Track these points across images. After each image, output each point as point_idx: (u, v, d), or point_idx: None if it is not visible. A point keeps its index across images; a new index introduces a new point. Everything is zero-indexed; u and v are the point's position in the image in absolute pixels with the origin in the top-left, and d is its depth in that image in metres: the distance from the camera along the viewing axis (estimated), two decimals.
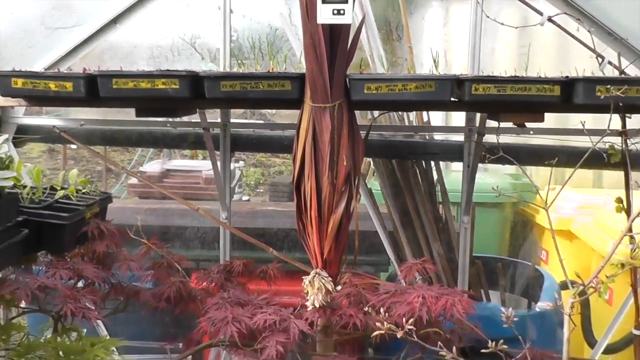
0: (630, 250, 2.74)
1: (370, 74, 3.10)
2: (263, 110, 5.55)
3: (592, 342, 3.86)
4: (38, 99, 3.12)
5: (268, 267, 3.19)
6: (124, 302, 2.95)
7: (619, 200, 3.04)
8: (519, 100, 2.78)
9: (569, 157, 3.32)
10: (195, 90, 2.85)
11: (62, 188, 2.95)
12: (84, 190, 3.04)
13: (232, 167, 6.85)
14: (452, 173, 5.06)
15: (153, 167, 6.87)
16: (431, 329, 2.73)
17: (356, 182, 2.86)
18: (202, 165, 6.25)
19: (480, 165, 5.97)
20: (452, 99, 2.86)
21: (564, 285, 3.87)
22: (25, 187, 2.82)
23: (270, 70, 2.99)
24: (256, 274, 3.21)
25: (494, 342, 2.57)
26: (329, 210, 2.79)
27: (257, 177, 10.29)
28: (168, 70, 2.94)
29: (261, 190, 9.86)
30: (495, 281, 4.02)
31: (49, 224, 2.69)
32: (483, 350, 2.62)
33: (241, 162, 8.48)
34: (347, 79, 2.77)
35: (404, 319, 2.47)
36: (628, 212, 3.00)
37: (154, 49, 3.98)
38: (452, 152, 3.81)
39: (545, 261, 5.21)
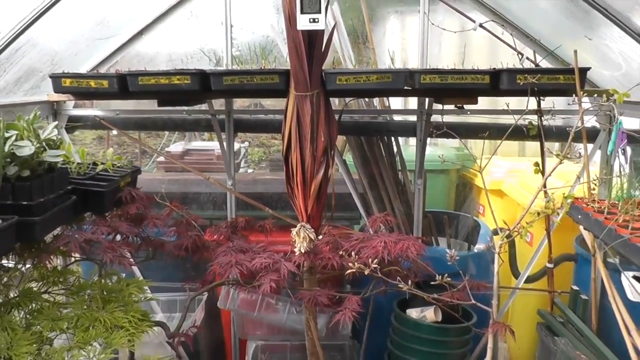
0: (545, 203, 2.76)
1: (341, 69, 3.10)
2: (263, 103, 5.49)
3: (516, 274, 3.89)
4: (82, 94, 3.11)
5: (265, 222, 3.17)
6: (152, 251, 2.94)
7: (537, 164, 3.07)
8: (458, 87, 2.82)
9: (498, 132, 3.33)
10: (204, 84, 2.84)
11: (102, 163, 2.94)
12: (118, 165, 3.02)
13: (237, 146, 6.86)
14: (410, 147, 5.04)
15: (177, 147, 6.81)
16: (392, 268, 2.74)
17: (332, 153, 2.85)
18: (215, 145, 6.18)
19: (432, 141, 6.02)
20: (406, 87, 2.87)
21: (495, 232, 3.89)
22: (73, 163, 2.82)
23: (262, 68, 2.97)
24: (256, 228, 3.19)
25: (440, 276, 2.59)
26: (311, 176, 2.79)
27: (260, 155, 10.26)
28: (182, 69, 2.92)
29: (263, 166, 9.82)
30: (443, 230, 4.03)
31: (91, 191, 2.68)
32: (432, 283, 2.64)
33: (246, 143, 8.44)
34: (323, 73, 2.77)
35: (370, 260, 2.48)
36: (543, 172, 3.02)
37: (172, 54, 3.95)
38: (408, 130, 3.81)
39: (482, 214, 5.23)
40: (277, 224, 3.20)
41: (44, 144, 2.37)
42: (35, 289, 2.54)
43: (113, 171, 2.92)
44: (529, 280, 3.62)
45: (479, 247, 3.83)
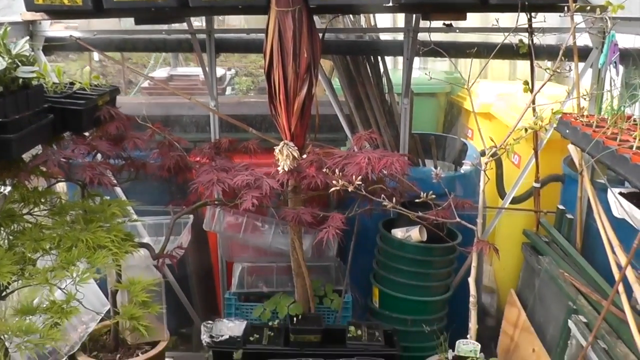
0: (533, 121, 2.75)
1: None
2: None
3: (503, 195, 3.89)
4: (55, 13, 3.00)
5: (249, 142, 3.14)
6: (134, 172, 2.91)
7: (526, 82, 3.04)
8: (445, 2, 2.74)
9: (488, 51, 3.25)
10: (181, 1, 2.74)
11: (79, 82, 2.88)
12: (96, 84, 2.96)
13: (222, 72, 6.76)
14: (398, 71, 4.97)
15: (161, 73, 6.74)
16: (377, 186, 2.74)
17: (315, 71, 2.80)
18: (199, 70, 6.09)
19: (422, 65, 5.93)
20: (391, 3, 2.78)
21: (483, 153, 3.87)
22: (49, 82, 2.75)
23: None
24: (239, 149, 3.16)
25: (425, 194, 2.60)
26: (294, 93, 2.75)
27: (248, 84, 10.16)
28: None
29: (251, 94, 9.75)
30: (430, 152, 4.02)
31: (69, 109, 2.62)
32: (417, 200, 2.64)
33: (233, 70, 8.32)
34: None
35: (354, 177, 2.48)
36: (532, 91, 3.00)
37: None
38: (395, 49, 3.75)
39: (470, 137, 5.21)
40: (262, 146, 3.17)
41: (16, 60, 2.30)
42: (17, 209, 2.53)
43: (91, 90, 2.85)
44: (515, 201, 3.63)
45: (466, 166, 3.82)
